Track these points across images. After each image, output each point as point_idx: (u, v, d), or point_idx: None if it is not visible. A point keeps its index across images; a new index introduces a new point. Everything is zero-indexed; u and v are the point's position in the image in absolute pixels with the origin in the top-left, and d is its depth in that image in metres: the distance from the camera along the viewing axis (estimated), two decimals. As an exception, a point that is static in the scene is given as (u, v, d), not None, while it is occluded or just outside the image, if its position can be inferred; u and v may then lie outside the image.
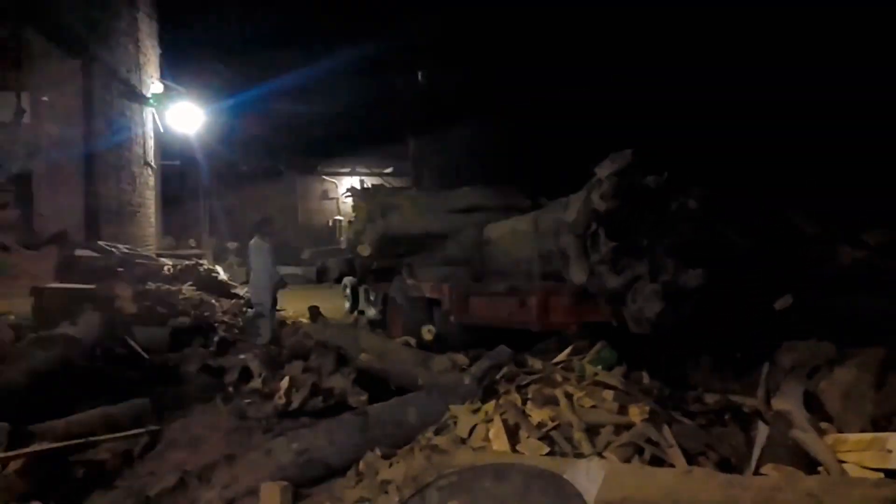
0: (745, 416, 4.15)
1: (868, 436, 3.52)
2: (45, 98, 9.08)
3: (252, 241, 8.96)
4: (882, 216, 7.91)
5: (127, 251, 10.17)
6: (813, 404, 4.10)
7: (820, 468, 3.50)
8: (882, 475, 3.34)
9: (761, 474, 3.46)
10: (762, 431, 3.77)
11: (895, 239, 7.53)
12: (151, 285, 9.83)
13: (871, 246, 7.56)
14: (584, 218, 5.22)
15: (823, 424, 3.89)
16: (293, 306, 11.63)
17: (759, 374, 4.95)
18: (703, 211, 5.55)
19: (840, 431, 3.81)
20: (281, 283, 9.16)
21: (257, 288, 8.92)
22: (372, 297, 10.54)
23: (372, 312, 10.36)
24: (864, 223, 8.21)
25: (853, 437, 3.57)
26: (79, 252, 8.89)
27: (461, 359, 5.96)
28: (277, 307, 9.59)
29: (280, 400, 5.55)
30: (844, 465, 3.46)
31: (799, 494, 2.76)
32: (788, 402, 4.03)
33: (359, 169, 28.43)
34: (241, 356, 7.07)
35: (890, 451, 3.38)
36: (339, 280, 12.29)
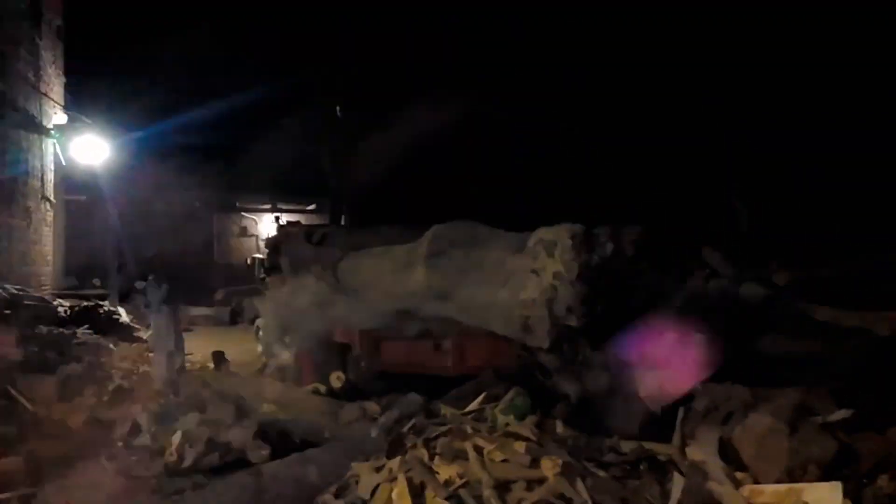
0: (661, 466, 4.00)
1: (784, 487, 3.42)
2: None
3: (147, 282, 8.43)
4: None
5: (16, 292, 9.41)
6: (728, 452, 3.99)
7: (736, 521, 3.37)
8: (798, 528, 3.24)
9: (677, 530, 3.31)
10: (678, 484, 3.62)
11: (799, 278, 7.71)
12: (42, 329, 9.09)
13: (779, 285, 7.71)
14: (550, 287, 5.04)
15: (739, 474, 3.77)
16: (201, 350, 10.99)
17: (674, 418, 4.85)
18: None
19: (756, 481, 3.70)
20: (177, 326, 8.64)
21: (154, 331, 8.42)
22: (287, 340, 10.09)
23: (286, 356, 9.89)
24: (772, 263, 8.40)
25: (769, 488, 3.46)
26: (-41, 293, 8.16)
27: (373, 407, 5.67)
28: (185, 352, 9.01)
29: (171, 457, 5.08)
30: (761, 518, 3.34)
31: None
32: (704, 452, 3.91)
33: (280, 206, 27.81)
34: (131, 408, 6.51)
35: (806, 503, 3.29)
36: (252, 321, 11.73)
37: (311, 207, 27.25)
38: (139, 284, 8.86)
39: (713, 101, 11.97)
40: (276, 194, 26.94)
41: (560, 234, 5.11)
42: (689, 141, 11.85)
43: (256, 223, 27.97)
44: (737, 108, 11.80)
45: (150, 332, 9.72)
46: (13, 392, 7.09)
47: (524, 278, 5.22)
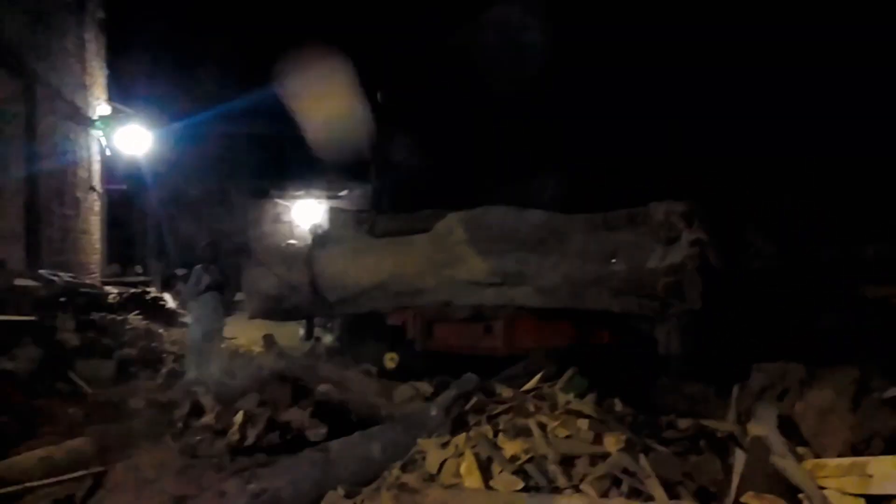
0: (720, 442, 4.06)
1: (848, 460, 3.44)
2: (-17, 119, 8.64)
3: (196, 268, 8.47)
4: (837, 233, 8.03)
5: (70, 280, 9.68)
6: (786, 427, 4.03)
7: (800, 495, 3.41)
8: (864, 501, 3.27)
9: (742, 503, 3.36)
10: (740, 458, 3.67)
11: (849, 256, 7.65)
12: (96, 315, 9.36)
13: (827, 264, 7.66)
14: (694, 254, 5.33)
15: (800, 449, 3.81)
16: (246, 334, 11.21)
17: (728, 396, 4.89)
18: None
19: (817, 456, 3.74)
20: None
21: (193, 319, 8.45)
22: (329, 324, 10.27)
23: (329, 339, 10.08)
24: (818, 241, 8.33)
25: (833, 462, 3.49)
26: (18, 282, 8.40)
27: (425, 388, 5.78)
28: (224, 336, 9.11)
29: (234, 436, 5.23)
30: (825, 492, 3.37)
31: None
32: (763, 427, 3.95)
33: (313, 191, 28.03)
34: (192, 389, 6.70)
35: (871, 476, 3.31)
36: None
37: (344, 193, 27.42)
38: (180, 271, 8.85)
39: (755, 77, 11.81)
40: (309, 181, 27.13)
41: (693, 206, 5.46)
42: (730, 120, 11.72)
43: (290, 209, 28.24)
44: (781, 85, 11.64)
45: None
46: (73, 376, 7.35)
47: (642, 249, 5.49)
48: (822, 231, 8.83)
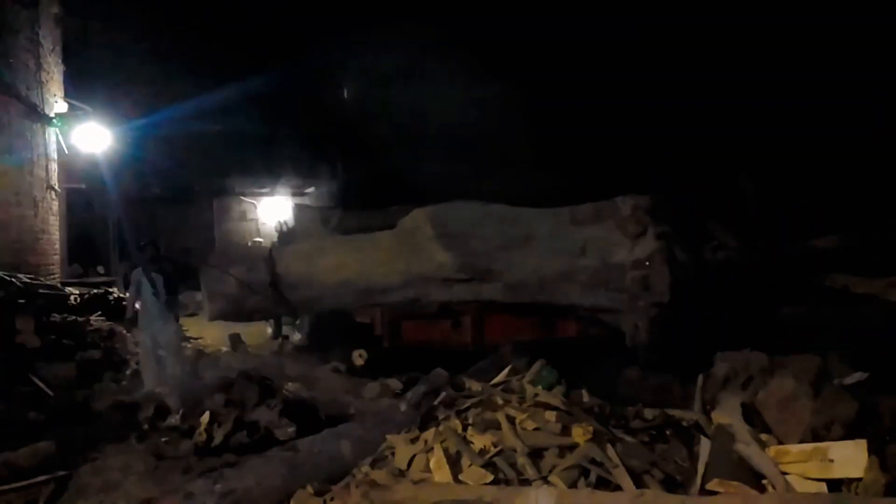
0: (686, 431, 4.12)
1: (809, 446, 3.52)
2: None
3: (134, 272, 7.81)
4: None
5: (29, 281, 9.44)
6: (750, 415, 4.10)
7: (764, 481, 3.48)
8: (825, 485, 3.35)
9: (708, 491, 3.41)
10: (705, 446, 3.73)
11: (810, 247, 7.81)
12: (56, 317, 9.14)
13: (788, 255, 7.81)
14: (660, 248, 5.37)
15: (763, 436, 3.88)
16: (212, 334, 11.06)
17: (692, 385, 4.96)
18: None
19: (779, 442, 3.81)
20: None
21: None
22: (297, 322, 10.17)
23: (297, 337, 9.99)
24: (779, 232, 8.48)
25: (795, 448, 3.56)
26: (-27, 284, 8.18)
27: (394, 384, 5.77)
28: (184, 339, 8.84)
29: (200, 436, 5.17)
30: (787, 477, 3.45)
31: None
32: (727, 415, 4.01)
33: (279, 189, 27.76)
34: (157, 390, 6.60)
35: (832, 461, 3.39)
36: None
37: (310, 190, 27.20)
38: (137, 273, 8.22)
39: (722, 77, 12.00)
40: (276, 178, 26.87)
41: (658, 199, 5.50)
42: (698, 120, 11.90)
43: (255, 207, 27.93)
44: (747, 85, 11.85)
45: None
46: (34, 379, 7.17)
47: (609, 244, 5.52)
48: (783, 222, 9.01)
